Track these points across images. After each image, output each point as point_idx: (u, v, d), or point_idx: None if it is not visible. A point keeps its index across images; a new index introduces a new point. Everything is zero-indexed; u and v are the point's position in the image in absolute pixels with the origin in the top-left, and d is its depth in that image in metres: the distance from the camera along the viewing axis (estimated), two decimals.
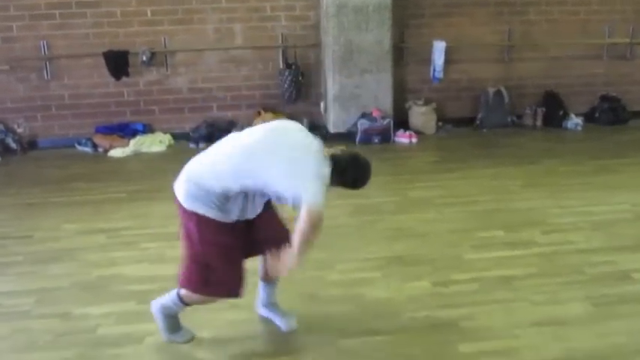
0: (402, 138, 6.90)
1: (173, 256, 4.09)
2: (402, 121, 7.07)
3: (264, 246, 2.95)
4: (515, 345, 3.06)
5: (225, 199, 2.75)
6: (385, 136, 6.80)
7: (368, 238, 4.34)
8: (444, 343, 3.08)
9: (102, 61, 6.72)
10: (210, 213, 2.77)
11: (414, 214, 4.74)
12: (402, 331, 3.20)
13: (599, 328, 3.20)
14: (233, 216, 2.81)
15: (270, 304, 3.26)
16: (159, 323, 3.09)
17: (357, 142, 6.71)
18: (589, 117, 7.46)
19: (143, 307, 3.44)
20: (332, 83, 6.76)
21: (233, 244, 2.86)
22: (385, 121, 6.78)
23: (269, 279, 3.16)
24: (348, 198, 5.08)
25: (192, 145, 6.81)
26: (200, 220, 2.79)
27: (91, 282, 3.77)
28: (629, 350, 3.00)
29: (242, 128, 3.11)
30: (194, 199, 2.77)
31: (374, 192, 5.36)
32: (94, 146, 6.83)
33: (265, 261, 3.03)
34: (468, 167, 5.90)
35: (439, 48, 7.04)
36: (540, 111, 7.37)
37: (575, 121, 7.31)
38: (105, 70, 6.75)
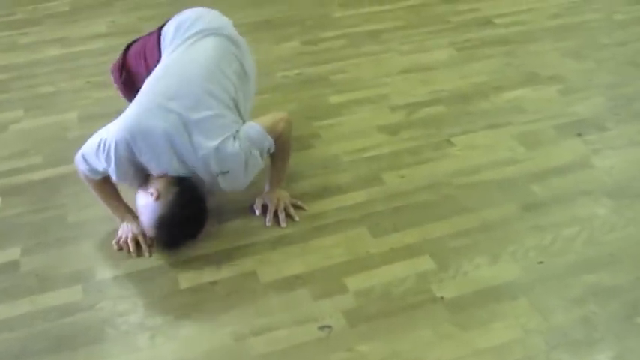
0: None
1: (26, 42, 3.82)
2: None
3: None
4: (385, 91, 3.15)
5: None
6: None
7: (233, 4, 4.16)
8: (317, 97, 3.12)
9: None
10: None
11: None
12: (275, 89, 3.20)
13: (462, 70, 3.33)
14: None
15: None
16: None
17: None
18: None
19: (3, 97, 3.24)
20: None
21: None
22: None
23: None
24: None
25: None
26: None
27: None
28: (489, 87, 3.16)
29: None
30: None
31: None
32: None
33: None
34: None
35: None
36: None
37: None
38: None
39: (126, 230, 2.25)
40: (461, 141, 2.77)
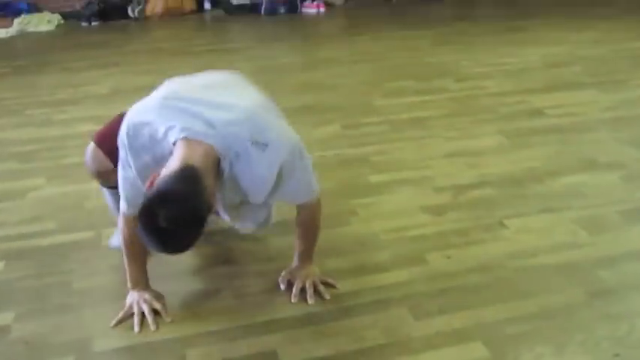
0: (310, 8, 6.57)
1: (61, 119, 3.75)
2: None
3: None
4: (429, 174, 2.91)
5: None
6: (292, 6, 6.46)
7: (275, 92, 4.00)
8: (356, 176, 2.90)
9: None
10: None
11: (323, 71, 4.50)
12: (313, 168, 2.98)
13: (512, 157, 3.09)
14: None
15: None
16: None
17: (262, 13, 6.35)
18: None
19: (25, 166, 3.13)
20: None
21: None
22: None
23: None
24: (252, 60, 4.83)
25: (84, 24, 6.24)
26: None
27: None
28: (543, 172, 2.90)
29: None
30: None
31: (280, 54, 5.10)
32: None
33: None
34: (378, 31, 5.69)
35: None
36: None
37: None
38: None
39: (136, 298, 1.99)
40: (514, 223, 2.48)
